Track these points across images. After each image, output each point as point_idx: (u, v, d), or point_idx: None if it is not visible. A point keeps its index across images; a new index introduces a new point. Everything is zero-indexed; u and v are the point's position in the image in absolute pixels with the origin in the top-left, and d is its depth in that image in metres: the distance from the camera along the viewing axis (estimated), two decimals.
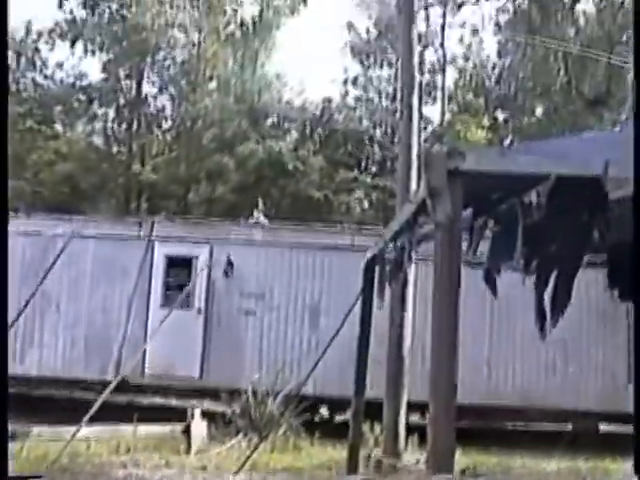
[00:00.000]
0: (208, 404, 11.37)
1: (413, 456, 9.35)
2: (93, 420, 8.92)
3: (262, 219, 14.37)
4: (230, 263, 12.15)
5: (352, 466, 6.91)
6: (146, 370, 11.94)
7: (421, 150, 10.65)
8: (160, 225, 12.65)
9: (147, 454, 9.13)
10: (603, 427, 11.88)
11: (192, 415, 9.89)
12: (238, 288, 12.20)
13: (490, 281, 5.19)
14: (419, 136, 10.97)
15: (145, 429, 9.69)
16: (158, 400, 13.26)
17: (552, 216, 4.50)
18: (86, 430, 8.96)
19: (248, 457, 7.06)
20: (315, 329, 11.97)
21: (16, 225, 12.48)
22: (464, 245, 4.55)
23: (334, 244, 12.35)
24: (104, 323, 12.26)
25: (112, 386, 9.11)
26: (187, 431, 9.69)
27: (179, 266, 12.46)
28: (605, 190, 4.63)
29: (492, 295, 5.21)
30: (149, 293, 12.35)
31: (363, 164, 26.18)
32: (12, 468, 8.10)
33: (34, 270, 12.22)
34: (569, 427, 11.94)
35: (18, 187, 19.81)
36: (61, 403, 12.22)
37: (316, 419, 12.56)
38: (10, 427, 8.86)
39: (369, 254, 6.84)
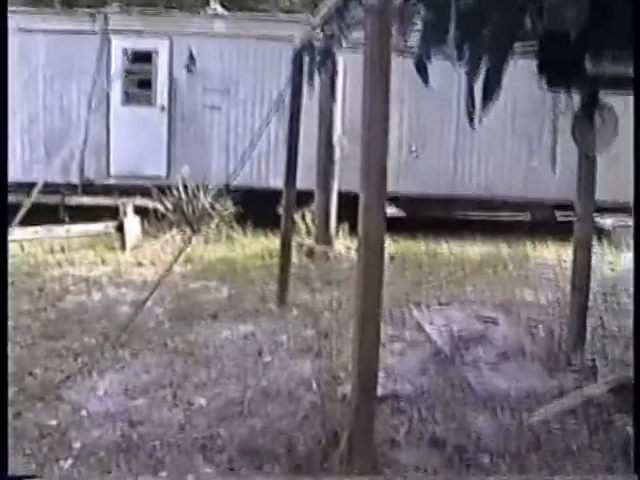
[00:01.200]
0: (140, 201, 11.32)
1: (344, 244, 9.68)
2: (28, 223, 8.90)
3: (220, 10, 13.61)
4: (192, 57, 11.60)
5: (285, 254, 7.10)
6: (111, 171, 11.65)
7: None
8: (115, 18, 11.81)
9: (82, 252, 9.21)
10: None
11: (125, 212, 9.90)
12: (202, 83, 11.76)
13: (421, 68, 5.11)
14: None
15: (79, 228, 9.70)
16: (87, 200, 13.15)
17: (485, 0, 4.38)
18: (19, 232, 8.92)
19: (182, 250, 7.18)
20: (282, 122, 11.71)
21: None
22: (394, 31, 4.42)
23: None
24: (63, 124, 11.73)
25: (38, 188, 8.96)
26: (121, 228, 9.74)
27: (139, 61, 11.81)
28: None
29: (423, 82, 5.14)
30: (108, 90, 11.77)
31: None
32: None
33: None
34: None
35: None
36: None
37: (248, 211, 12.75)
38: None
39: (298, 43, 6.63)
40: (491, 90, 4.77)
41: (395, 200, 11.66)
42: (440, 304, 7.21)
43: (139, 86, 11.87)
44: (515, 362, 5.56)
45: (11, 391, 4.80)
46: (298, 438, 4.09)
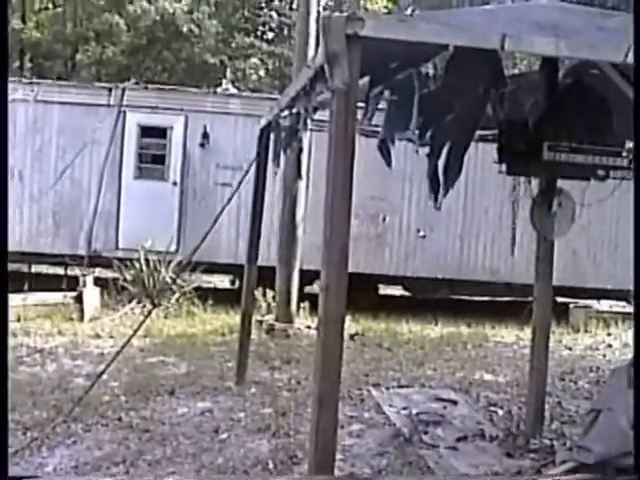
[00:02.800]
0: (99, 271, 11.24)
1: (304, 322, 9.66)
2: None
3: (232, 89, 13.82)
4: (206, 134, 11.69)
5: (244, 331, 7.05)
6: (120, 244, 11.55)
7: (320, 17, 10.41)
8: (131, 93, 11.91)
9: (39, 322, 9.06)
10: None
11: (84, 283, 9.81)
12: (215, 160, 11.80)
13: (384, 151, 5.24)
14: (318, 3, 10.66)
15: (36, 297, 9.58)
16: (47, 269, 13.01)
17: (448, 88, 4.53)
18: None
19: (141, 323, 7.09)
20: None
21: None
22: (359, 114, 4.53)
23: None
24: (73, 195, 11.71)
25: None
26: (80, 299, 9.63)
27: (153, 136, 11.88)
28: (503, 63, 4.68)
29: (386, 165, 5.26)
30: (121, 164, 11.77)
31: (260, 30, 25.49)
32: None
33: None
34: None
35: None
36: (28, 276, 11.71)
37: (210, 286, 12.71)
38: None
39: (264, 121, 6.75)
40: (452, 175, 4.89)
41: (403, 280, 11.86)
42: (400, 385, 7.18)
43: (152, 161, 11.88)
44: (473, 444, 5.53)
45: None
46: None
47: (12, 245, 11.54)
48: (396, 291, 13.06)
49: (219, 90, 13.24)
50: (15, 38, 23.03)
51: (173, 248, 11.29)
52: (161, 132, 11.85)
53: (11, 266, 11.45)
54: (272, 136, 6.69)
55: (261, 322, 9.39)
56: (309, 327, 9.33)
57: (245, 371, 6.95)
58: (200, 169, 11.84)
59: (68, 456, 4.93)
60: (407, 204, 11.70)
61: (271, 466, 4.84)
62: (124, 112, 11.74)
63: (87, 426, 5.48)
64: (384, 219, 11.76)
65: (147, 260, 10.39)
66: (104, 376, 6.30)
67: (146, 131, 11.86)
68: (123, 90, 11.83)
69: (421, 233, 11.76)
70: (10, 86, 11.77)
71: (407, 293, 12.73)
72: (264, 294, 9.95)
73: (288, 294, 9.68)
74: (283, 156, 6.90)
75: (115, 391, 6.39)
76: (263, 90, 20.48)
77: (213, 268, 11.26)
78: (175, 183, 11.61)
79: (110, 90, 11.90)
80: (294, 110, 5.50)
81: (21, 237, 11.54)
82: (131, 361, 7.39)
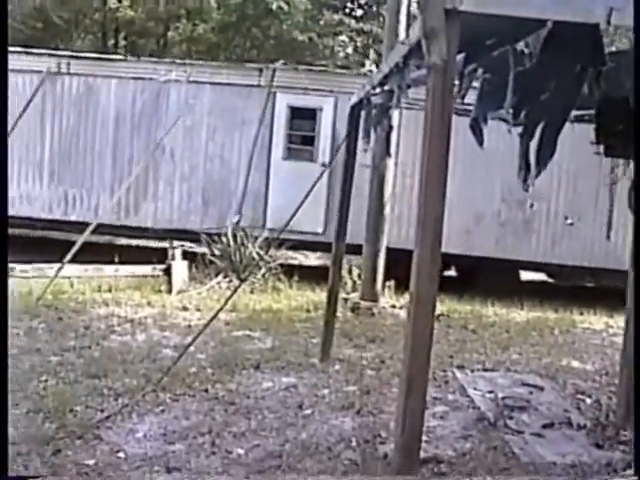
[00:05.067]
0: (189, 245, 11.44)
1: (389, 301, 9.62)
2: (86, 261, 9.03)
3: (375, 70, 13.87)
4: None
5: (330, 308, 7.06)
6: (267, 223, 11.67)
7: None
8: (281, 74, 12.06)
9: (129, 293, 9.30)
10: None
11: (173, 256, 10.01)
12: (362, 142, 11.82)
13: (476, 130, 5.13)
14: None
15: (127, 269, 9.83)
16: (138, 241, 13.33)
17: (544, 66, 4.39)
18: (70, 269, 9.07)
19: (229, 298, 7.18)
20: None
21: (125, 69, 12.03)
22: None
23: None
24: (222, 174, 11.99)
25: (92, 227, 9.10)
26: (168, 271, 9.84)
27: (302, 117, 11.97)
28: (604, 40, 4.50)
29: (478, 144, 5.16)
30: (270, 145, 11.97)
31: (348, 7, 25.32)
32: None
33: (147, 118, 11.94)
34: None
35: None
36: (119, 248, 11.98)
37: (296, 263, 12.80)
38: None
39: (355, 98, 6.70)
40: (545, 157, 4.76)
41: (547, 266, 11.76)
42: (485, 369, 7.08)
43: (301, 142, 12.00)
44: (560, 432, 5.41)
45: (51, 427, 4.83)
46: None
47: (160, 223, 11.92)
48: (538, 277, 12.95)
49: (365, 71, 13.21)
50: (110, 16, 23.57)
51: (320, 229, 11.35)
52: (311, 113, 11.89)
53: (100, 238, 11.83)
54: (363, 114, 6.63)
55: (346, 300, 9.40)
56: (394, 306, 9.30)
57: (330, 348, 6.97)
58: (355, 153, 11.74)
59: (157, 424, 5.05)
60: (555, 191, 11.48)
61: (354, 444, 4.85)
62: (274, 93, 11.85)
63: (175, 396, 5.60)
64: (532, 205, 11.56)
65: (235, 235, 10.52)
66: (191, 348, 6.43)
67: (296, 112, 11.94)
68: (273, 71, 11.95)
69: (569, 221, 11.55)
70: (164, 67, 12.10)
71: (550, 280, 12.66)
72: (350, 272, 9.95)
73: (374, 273, 9.65)
74: (373, 134, 6.85)
75: (202, 363, 6.50)
76: (351, 68, 20.39)
77: (306, 245, 11.30)
78: (324, 164, 11.51)
79: (260, 71, 12.04)
80: (386, 88, 5.45)
81: (171, 215, 11.85)
82: (217, 334, 7.51)
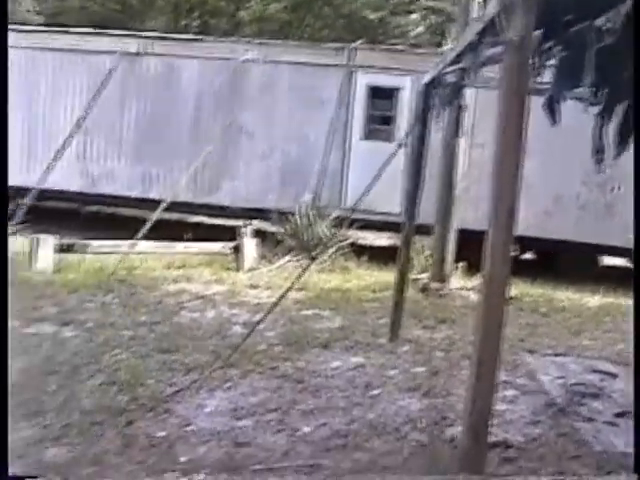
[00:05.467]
0: (259, 223, 11.52)
1: (459, 283, 9.51)
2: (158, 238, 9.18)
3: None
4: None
5: (399, 288, 7.02)
6: (345, 203, 11.61)
7: None
8: (360, 53, 12.01)
9: (200, 270, 9.43)
10: None
11: (244, 234, 10.10)
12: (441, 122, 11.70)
13: (551, 108, 4.99)
14: None
15: (197, 246, 9.96)
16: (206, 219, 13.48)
17: (626, 42, 4.23)
18: (143, 245, 9.24)
19: (299, 277, 7.19)
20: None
21: (204, 50, 12.24)
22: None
23: None
24: (300, 153, 12.02)
25: (164, 206, 9.22)
26: (239, 249, 9.93)
27: (381, 97, 11.90)
28: None
29: (552, 122, 5.02)
30: (349, 124, 11.95)
31: None
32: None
33: (225, 97, 12.06)
34: None
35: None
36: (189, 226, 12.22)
37: (366, 243, 12.75)
38: (68, 240, 9.25)
39: (427, 77, 6.61)
40: (627, 135, 4.61)
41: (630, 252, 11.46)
42: (555, 354, 6.95)
43: (380, 121, 11.96)
44: (634, 421, 5.26)
45: (124, 399, 4.94)
46: (403, 477, 3.99)
47: (238, 201, 11.99)
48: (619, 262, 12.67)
49: (442, 50, 13.03)
50: None
51: (396, 210, 11.28)
52: (389, 93, 11.80)
53: (173, 215, 12.01)
54: (435, 92, 6.54)
55: (416, 281, 9.33)
56: (465, 288, 9.19)
57: (398, 328, 6.94)
58: (429, 132, 11.61)
59: (225, 399, 5.12)
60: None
61: (421, 425, 4.83)
62: (353, 72, 11.80)
63: (243, 373, 5.66)
64: (612, 189, 11.28)
65: (307, 214, 10.54)
66: (260, 325, 6.48)
67: (375, 91, 11.86)
68: (353, 50, 11.89)
69: None
70: (240, 47, 12.16)
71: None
72: (421, 253, 9.87)
73: (445, 254, 9.56)
74: (444, 113, 6.75)
75: (271, 341, 6.55)
76: (423, 46, 20.13)
77: (381, 225, 11.22)
78: (400, 144, 11.33)
79: (339, 50, 11.99)
80: (460, 66, 5.35)
81: (249, 194, 11.95)
82: (287, 312, 7.55)
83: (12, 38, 12.88)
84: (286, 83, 11.99)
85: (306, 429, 4.66)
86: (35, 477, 3.47)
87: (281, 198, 11.77)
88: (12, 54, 12.90)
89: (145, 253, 9.42)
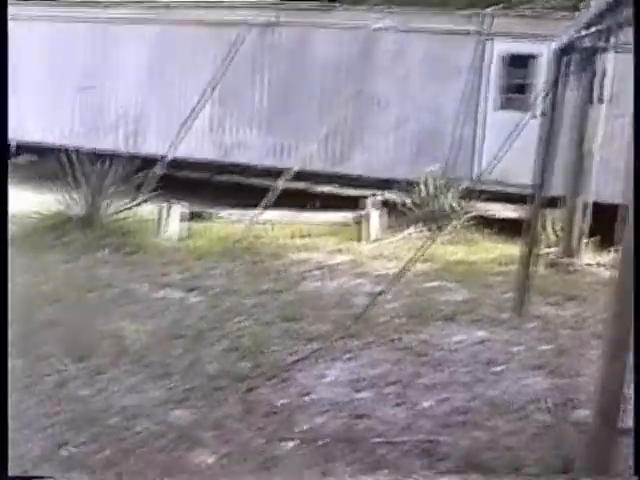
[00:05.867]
0: (385, 194, 11.41)
1: (591, 258, 9.09)
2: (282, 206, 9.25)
3: None
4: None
5: (526, 263, 6.77)
6: (476, 174, 11.14)
7: None
8: (496, 20, 11.47)
9: (323, 240, 9.44)
10: None
11: (369, 204, 10.03)
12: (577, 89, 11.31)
13: None
14: None
15: (322, 216, 9.97)
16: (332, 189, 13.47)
17: None
18: (269, 214, 9.33)
19: (425, 248, 7.05)
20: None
21: (335, 18, 12.35)
22: None
23: None
24: (433, 124, 11.67)
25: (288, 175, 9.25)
26: (363, 219, 9.87)
27: (517, 65, 11.43)
28: None
29: None
30: (483, 94, 11.57)
31: None
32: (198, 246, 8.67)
33: (357, 67, 11.95)
34: None
35: None
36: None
37: (493, 215, 12.41)
38: (196, 208, 9.48)
39: (561, 42, 6.29)
40: None
41: None
42: None
43: (516, 90, 11.56)
44: None
45: (246, 366, 5.01)
46: (525, 458, 3.85)
47: (369, 171, 11.97)
48: None
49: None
50: None
51: (529, 182, 10.89)
52: (525, 60, 11.39)
53: (300, 185, 12.06)
54: (569, 58, 6.22)
55: (544, 255, 8.98)
56: (597, 264, 8.77)
57: (525, 304, 6.70)
58: (563, 100, 11.16)
59: (345, 370, 5.10)
60: None
61: (547, 405, 4.64)
62: (488, 39, 11.47)
63: (364, 344, 5.62)
64: None
65: (434, 185, 10.35)
66: (383, 297, 6.41)
67: (510, 59, 11.49)
68: (487, 16, 11.54)
69: None
70: (372, 15, 12.02)
71: None
72: (550, 226, 9.50)
73: (576, 227, 9.15)
74: (580, 79, 6.42)
75: (393, 312, 6.47)
76: (559, 10, 19.25)
77: (512, 197, 10.83)
78: (534, 115, 10.82)
79: (473, 16, 11.65)
80: (597, 28, 5.05)
81: (379, 164, 11.89)
82: (410, 284, 7.43)
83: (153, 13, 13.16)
84: (419, 51, 11.65)
85: (426, 404, 4.58)
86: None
87: (412, 169, 11.50)
88: (152, 28, 13.32)
89: (271, 222, 9.51)
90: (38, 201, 9.16)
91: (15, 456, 3.63)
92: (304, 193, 12.12)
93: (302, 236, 9.54)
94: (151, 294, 6.75)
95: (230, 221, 9.39)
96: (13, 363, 4.77)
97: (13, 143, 14.04)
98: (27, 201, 9.69)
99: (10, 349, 4.99)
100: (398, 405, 4.56)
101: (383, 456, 3.85)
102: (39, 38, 13.93)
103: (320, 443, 3.97)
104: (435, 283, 7.72)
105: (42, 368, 4.84)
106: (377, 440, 4.01)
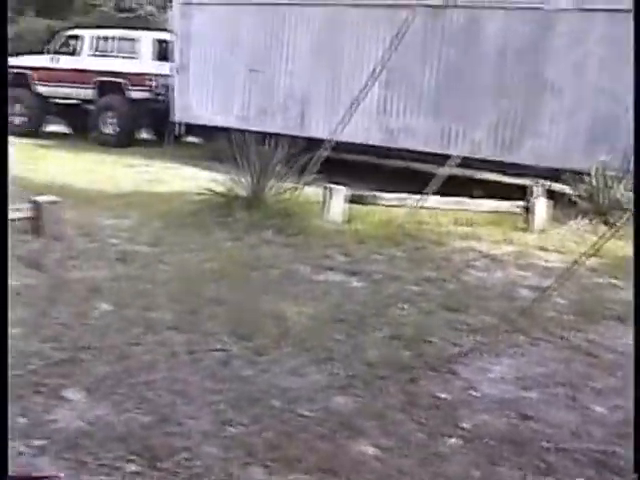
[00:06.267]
0: (552, 184, 10.96)
1: None
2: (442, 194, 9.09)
3: None
4: None
5: None
6: None
7: None
8: None
9: (489, 229, 9.18)
10: None
11: (535, 194, 9.68)
12: None
13: None
14: None
15: (487, 204, 9.72)
16: (495, 177, 13.08)
17: None
18: (431, 200, 9.18)
19: (600, 245, 6.62)
20: None
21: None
22: None
23: None
24: (611, 110, 10.94)
25: (453, 161, 9.08)
26: (529, 209, 9.54)
27: None
28: None
29: None
30: None
31: None
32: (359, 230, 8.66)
33: (530, 50, 11.47)
34: None
35: None
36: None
37: None
38: (359, 192, 9.48)
39: None
40: None
41: None
42: None
43: None
44: None
45: (408, 355, 4.94)
46: None
47: (540, 160, 11.53)
48: None
49: None
50: None
51: None
52: None
53: (465, 172, 11.79)
54: None
55: None
56: None
57: None
58: None
59: (511, 366, 4.93)
60: None
61: None
62: None
63: (530, 339, 5.41)
64: None
65: (604, 176, 9.83)
66: (550, 291, 6.15)
67: None
68: None
69: None
70: None
71: None
72: None
73: None
74: None
75: (560, 308, 6.19)
76: None
77: None
78: None
79: None
80: None
81: (552, 152, 11.42)
82: (578, 279, 7.08)
83: None
84: (597, 33, 11.01)
85: (598, 409, 4.34)
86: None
87: (586, 158, 10.90)
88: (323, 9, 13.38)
89: (434, 208, 9.36)
90: (208, 178, 9.46)
91: (183, 431, 3.76)
92: (469, 180, 11.87)
93: (465, 224, 9.33)
94: (313, 276, 6.80)
95: (393, 205, 9.32)
96: (179, 338, 4.98)
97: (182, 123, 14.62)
98: (198, 179, 10.05)
99: (178, 324, 5.22)
100: (567, 408, 4.34)
101: (552, 464, 3.67)
102: (214, 22, 14.39)
103: (484, 442, 3.84)
104: (604, 279, 7.34)
105: (207, 345, 4.95)
106: (546, 445, 3.83)
